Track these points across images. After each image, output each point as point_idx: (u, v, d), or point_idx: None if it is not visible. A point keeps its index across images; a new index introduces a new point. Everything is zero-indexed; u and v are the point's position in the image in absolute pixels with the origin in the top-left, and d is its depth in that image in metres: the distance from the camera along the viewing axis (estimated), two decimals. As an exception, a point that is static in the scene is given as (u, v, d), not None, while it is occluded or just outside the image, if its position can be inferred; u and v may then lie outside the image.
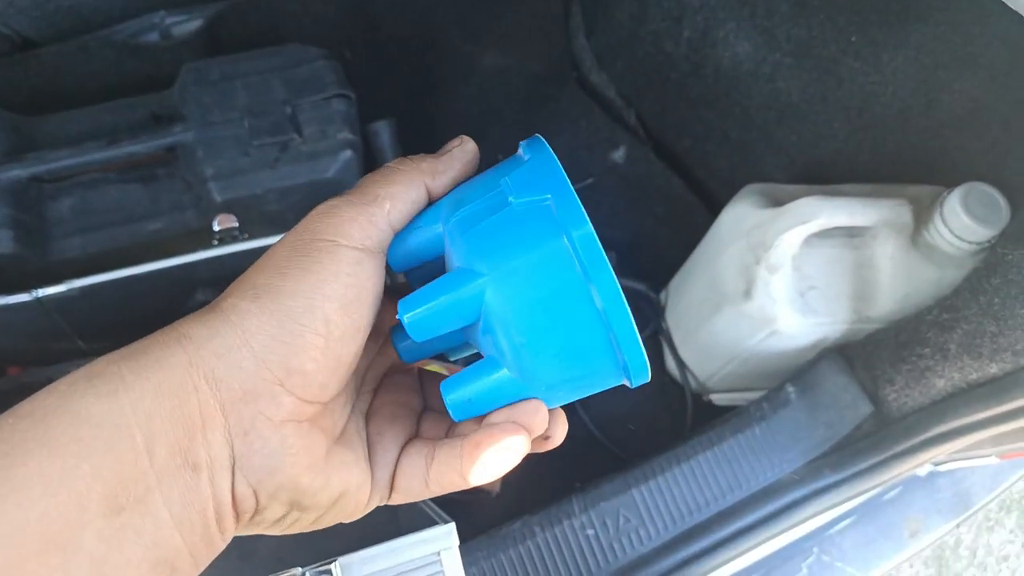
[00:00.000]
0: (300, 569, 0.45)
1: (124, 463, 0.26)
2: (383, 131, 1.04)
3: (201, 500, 0.28)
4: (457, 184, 0.33)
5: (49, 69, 0.92)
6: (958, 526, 0.83)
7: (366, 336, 0.31)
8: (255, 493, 0.29)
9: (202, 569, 0.29)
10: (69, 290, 0.78)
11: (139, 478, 0.26)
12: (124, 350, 0.29)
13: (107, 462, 0.26)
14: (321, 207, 0.31)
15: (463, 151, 0.33)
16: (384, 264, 0.32)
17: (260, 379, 0.28)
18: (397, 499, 0.34)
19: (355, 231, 0.30)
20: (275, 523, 0.31)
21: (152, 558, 0.26)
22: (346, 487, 0.31)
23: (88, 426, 0.26)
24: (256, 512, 0.30)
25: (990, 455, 0.77)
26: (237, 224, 0.84)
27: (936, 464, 0.81)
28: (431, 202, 0.33)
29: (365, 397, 0.35)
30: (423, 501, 0.58)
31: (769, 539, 0.76)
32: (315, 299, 0.29)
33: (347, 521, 0.33)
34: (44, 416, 0.26)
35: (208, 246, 0.83)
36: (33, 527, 0.24)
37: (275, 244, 0.31)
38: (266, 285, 0.29)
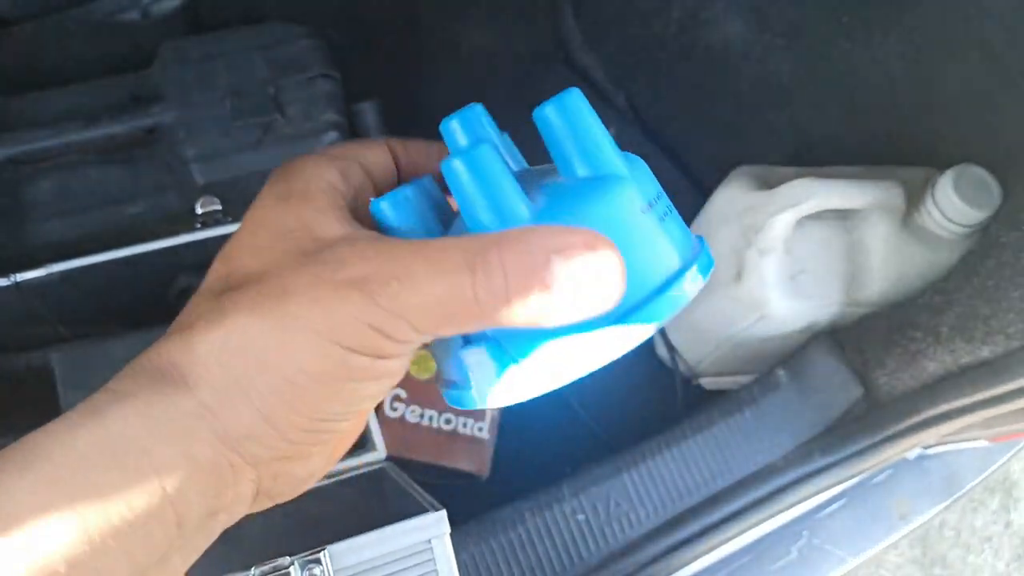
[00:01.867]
0: (289, 558, 0.44)
1: (154, 538, 0.24)
2: (369, 112, 1.02)
3: (215, 533, 0.28)
4: None
5: (24, 47, 0.89)
6: (947, 508, 0.83)
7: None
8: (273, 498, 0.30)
9: None
10: (48, 274, 0.76)
11: (165, 546, 0.25)
12: (142, 408, 0.25)
13: (138, 540, 0.24)
14: (342, 308, 0.25)
15: None
16: None
17: (289, 453, 0.28)
18: None
19: (386, 347, 0.26)
20: None
21: None
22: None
23: (118, 506, 0.23)
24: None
25: (980, 438, 0.77)
26: (220, 207, 0.82)
27: (926, 447, 0.81)
28: None
29: None
30: (412, 487, 0.57)
31: (760, 523, 0.76)
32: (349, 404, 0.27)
33: None
34: (63, 479, 0.23)
35: (191, 229, 0.81)
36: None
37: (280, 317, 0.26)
38: (281, 380, 0.25)
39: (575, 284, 0.23)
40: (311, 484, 0.30)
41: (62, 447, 0.24)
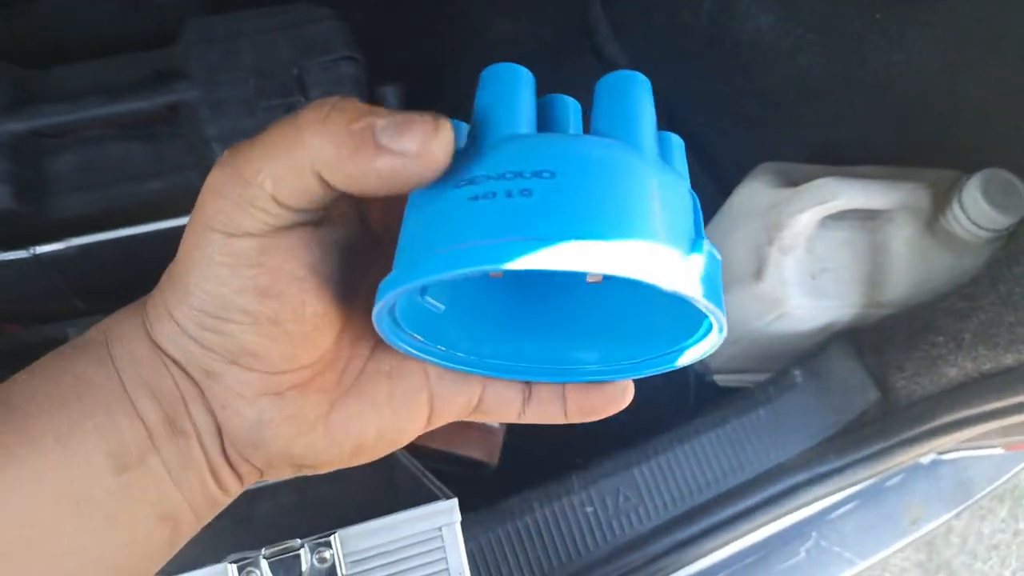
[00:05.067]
0: (299, 540, 0.44)
1: (122, 426, 0.26)
2: (391, 96, 1.02)
3: (196, 463, 0.28)
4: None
5: (50, 21, 0.89)
6: (958, 515, 0.82)
7: (325, 302, 0.27)
8: (248, 460, 0.29)
9: (205, 522, 0.30)
10: (67, 248, 0.76)
11: (138, 440, 0.27)
12: (112, 317, 0.28)
13: (107, 423, 0.26)
14: (208, 180, 0.25)
15: (406, 161, 0.23)
16: (317, 229, 0.27)
17: (212, 360, 0.27)
18: (478, 418, 0.31)
19: (244, 220, 0.25)
20: (293, 474, 0.31)
21: (157, 514, 0.27)
22: (361, 439, 0.29)
23: (88, 388, 0.26)
24: (262, 475, 0.30)
25: (996, 446, 0.77)
26: (240, 186, 0.82)
27: (940, 453, 0.80)
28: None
29: None
30: (423, 474, 0.57)
31: (769, 522, 0.75)
32: (223, 294, 0.26)
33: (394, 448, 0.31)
34: (51, 376, 0.27)
35: (210, 208, 0.81)
36: (49, 477, 0.25)
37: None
38: (178, 274, 0.26)
39: (388, 121, 0.23)
40: (275, 443, 0.28)
41: (58, 354, 0.28)
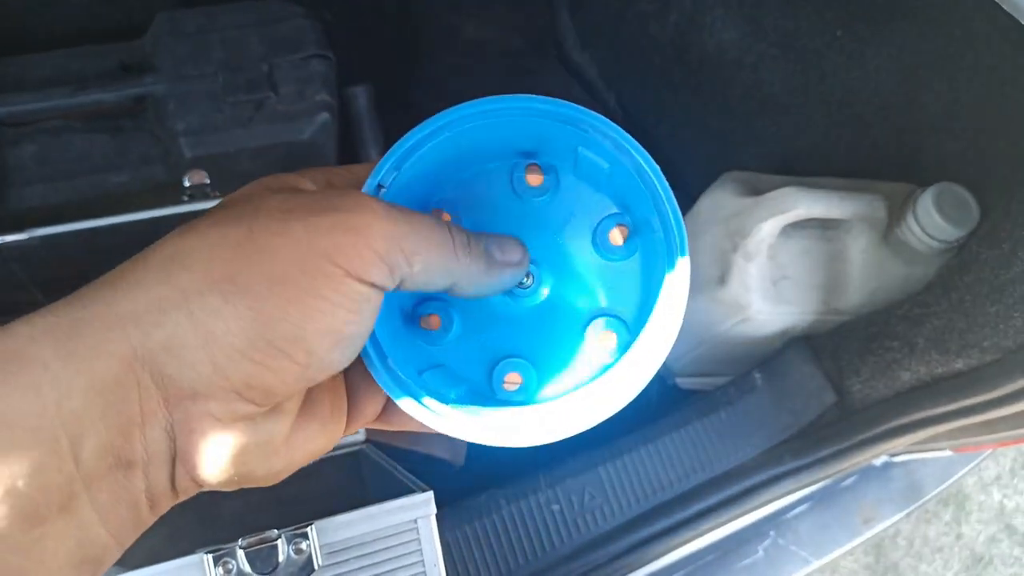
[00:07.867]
0: (277, 531, 0.44)
1: (45, 471, 0.22)
2: (360, 96, 1.02)
3: (132, 495, 0.25)
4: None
5: (13, 10, 0.87)
6: (908, 515, 0.85)
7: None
8: (196, 483, 0.27)
9: (129, 544, 0.27)
10: (29, 239, 0.75)
11: (62, 485, 0.23)
12: (52, 322, 0.24)
13: (23, 470, 0.22)
14: (356, 220, 0.26)
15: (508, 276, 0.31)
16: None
17: (215, 385, 0.25)
18: (386, 427, 0.33)
19: (375, 272, 0.25)
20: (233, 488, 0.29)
21: (77, 559, 0.24)
22: (313, 454, 0.30)
23: (6, 426, 0.22)
24: (199, 490, 0.28)
25: (945, 448, 0.80)
26: (208, 180, 0.82)
27: (891, 455, 0.83)
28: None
29: None
30: (395, 468, 0.58)
31: (729, 521, 0.77)
32: (306, 330, 0.25)
33: None
34: None
35: (178, 202, 0.80)
36: None
37: (269, 222, 0.25)
38: (248, 288, 0.24)
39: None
40: (241, 468, 0.26)
41: None
